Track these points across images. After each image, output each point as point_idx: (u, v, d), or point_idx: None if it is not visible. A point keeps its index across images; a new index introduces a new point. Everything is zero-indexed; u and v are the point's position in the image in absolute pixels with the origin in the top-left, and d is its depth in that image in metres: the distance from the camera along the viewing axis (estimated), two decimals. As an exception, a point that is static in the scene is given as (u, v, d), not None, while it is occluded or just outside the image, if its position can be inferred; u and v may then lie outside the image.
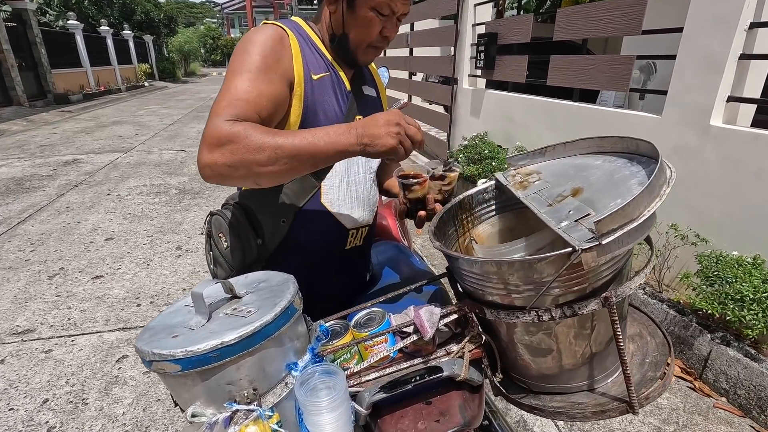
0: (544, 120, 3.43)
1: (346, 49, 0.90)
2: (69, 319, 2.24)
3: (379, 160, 1.05)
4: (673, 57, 2.33)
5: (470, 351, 0.76)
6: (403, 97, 6.37)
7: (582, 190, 0.70)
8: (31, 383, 1.80)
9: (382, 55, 7.12)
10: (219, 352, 0.60)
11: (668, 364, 0.73)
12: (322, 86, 0.88)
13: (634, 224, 0.56)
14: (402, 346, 0.74)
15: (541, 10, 12.58)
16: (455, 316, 0.75)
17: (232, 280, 0.75)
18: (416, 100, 6.30)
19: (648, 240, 0.72)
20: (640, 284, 0.67)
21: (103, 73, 15.22)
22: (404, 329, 0.76)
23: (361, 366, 0.74)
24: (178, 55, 25.47)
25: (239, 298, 0.72)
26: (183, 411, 0.67)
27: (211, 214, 0.97)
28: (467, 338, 0.76)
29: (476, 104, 4.39)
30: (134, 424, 1.60)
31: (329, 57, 0.92)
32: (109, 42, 16.03)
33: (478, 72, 4.29)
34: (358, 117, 0.96)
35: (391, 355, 0.76)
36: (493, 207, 0.92)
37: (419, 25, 5.83)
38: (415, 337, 0.73)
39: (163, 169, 5.14)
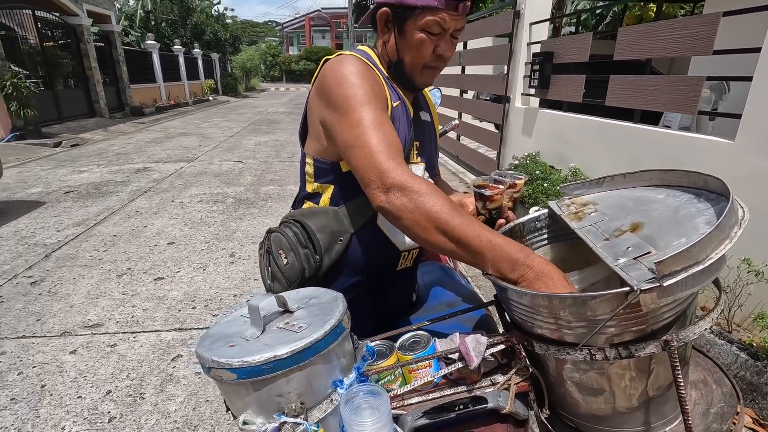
0: (601, 141, 3.30)
1: (403, 74, 0.93)
2: (132, 316, 2.42)
3: (432, 182, 1.07)
4: (749, 78, 2.17)
5: (516, 383, 0.74)
6: (454, 117, 6.37)
7: (642, 226, 0.67)
8: (98, 374, 1.95)
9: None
10: (272, 365, 0.63)
11: (737, 416, 0.68)
12: (398, 113, 0.92)
13: (700, 267, 0.53)
14: (446, 372, 0.74)
15: (600, 27, 12.16)
16: (502, 346, 0.74)
17: (285, 295, 0.79)
18: (466, 118, 6.28)
19: (716, 282, 0.68)
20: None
21: (173, 88, 16.51)
22: (449, 355, 0.76)
23: (405, 389, 0.74)
24: (241, 71, 27.10)
25: (291, 312, 0.75)
26: (235, 417, 0.71)
27: (270, 231, 1.01)
28: (514, 370, 0.74)
29: (528, 123, 4.31)
30: (184, 422, 1.69)
31: (394, 85, 0.95)
32: (181, 60, 17.39)
33: (532, 91, 4.21)
34: (416, 143, 0.98)
35: (435, 380, 0.76)
36: (545, 236, 0.90)
37: (472, 44, 5.84)
38: (460, 365, 0.73)
39: (222, 179, 5.46)
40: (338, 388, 0.69)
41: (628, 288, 0.54)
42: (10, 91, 7.51)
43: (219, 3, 25.72)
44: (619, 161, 3.09)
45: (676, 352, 0.58)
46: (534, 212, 0.92)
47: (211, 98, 19.88)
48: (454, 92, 6.35)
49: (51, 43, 10.04)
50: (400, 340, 0.83)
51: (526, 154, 4.12)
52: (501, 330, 0.87)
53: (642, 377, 0.64)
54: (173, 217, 4.08)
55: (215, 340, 0.70)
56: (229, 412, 0.76)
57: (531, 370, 0.73)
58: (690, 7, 8.85)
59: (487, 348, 0.73)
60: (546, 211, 0.90)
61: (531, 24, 4.20)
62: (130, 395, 1.83)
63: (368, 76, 0.85)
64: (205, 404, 1.79)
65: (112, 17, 12.06)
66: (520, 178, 0.94)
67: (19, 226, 3.80)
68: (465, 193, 1.11)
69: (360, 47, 0.99)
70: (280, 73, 38.48)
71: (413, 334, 0.83)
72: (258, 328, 0.70)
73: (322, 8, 44.16)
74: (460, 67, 5.95)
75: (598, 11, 11.98)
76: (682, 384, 0.59)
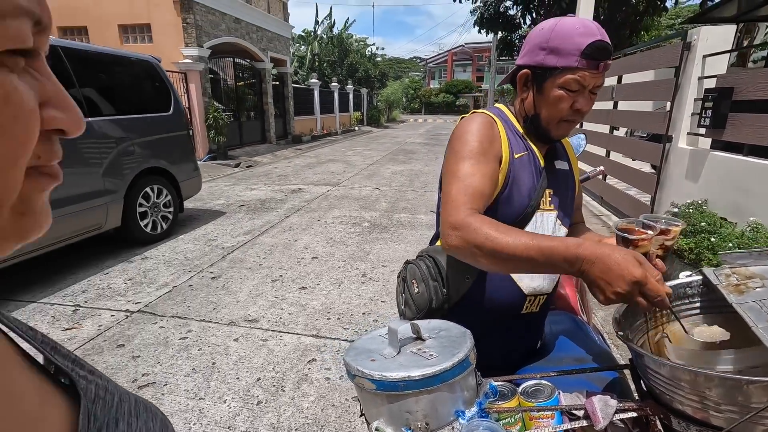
0: (797, 193, 2.70)
1: (539, 127, 0.99)
2: (281, 318, 2.82)
3: (565, 231, 1.07)
4: None
5: (648, 457, 0.70)
6: (600, 154, 5.89)
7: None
8: (252, 362, 2.33)
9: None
10: (405, 384, 0.73)
11: None
12: (521, 164, 0.98)
13: None
14: (569, 427, 0.74)
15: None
16: (634, 414, 0.72)
17: (418, 323, 0.89)
18: (616, 156, 5.74)
19: None
20: None
21: (327, 120, 18.74)
22: (574, 411, 0.76)
23: (524, 434, 0.77)
24: (384, 104, 29.36)
25: (423, 340, 0.85)
26: (368, 423, 0.83)
27: (407, 262, 1.15)
28: (646, 442, 0.71)
29: (695, 166, 3.76)
30: (314, 420, 1.91)
31: (526, 137, 1.02)
32: (336, 95, 19.71)
33: (702, 131, 3.68)
34: (548, 191, 1.02)
35: (557, 433, 0.76)
36: (697, 305, 0.84)
37: (628, 78, 5.38)
38: (584, 423, 0.73)
39: (360, 204, 5.99)
40: (460, 418, 0.75)
41: (789, 379, 0.50)
42: (211, 122, 9.51)
43: (373, 45, 28.59)
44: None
45: None
46: (685, 277, 0.86)
47: (356, 128, 21.93)
48: (603, 128, 5.88)
49: (241, 83, 12.45)
50: (523, 385, 0.85)
51: (689, 201, 3.58)
52: (636, 397, 0.83)
53: (811, 486, 0.56)
54: (318, 234, 4.62)
55: (359, 352, 0.84)
56: (363, 416, 0.89)
57: (667, 446, 0.69)
58: None
59: (616, 412, 0.71)
60: (700, 278, 0.84)
61: (705, 56, 3.71)
62: (274, 386, 2.14)
63: (484, 134, 0.94)
64: (332, 408, 1.99)
65: (287, 61, 14.41)
66: (676, 225, 0.86)
67: (207, 230, 4.76)
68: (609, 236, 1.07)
69: (496, 105, 1.08)
70: (420, 105, 40.44)
71: (537, 382, 0.85)
72: (394, 349, 0.82)
73: (466, 44, 45.35)
74: (612, 102, 5.51)
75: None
76: None
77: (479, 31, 11.86)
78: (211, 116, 9.48)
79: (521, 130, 1.02)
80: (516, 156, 0.98)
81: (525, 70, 0.96)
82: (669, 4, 9.87)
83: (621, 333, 0.73)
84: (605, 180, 5.68)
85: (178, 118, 4.71)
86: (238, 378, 2.20)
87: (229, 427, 1.87)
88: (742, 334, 0.72)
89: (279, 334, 2.62)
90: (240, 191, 6.90)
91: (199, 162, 8.98)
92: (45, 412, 0.31)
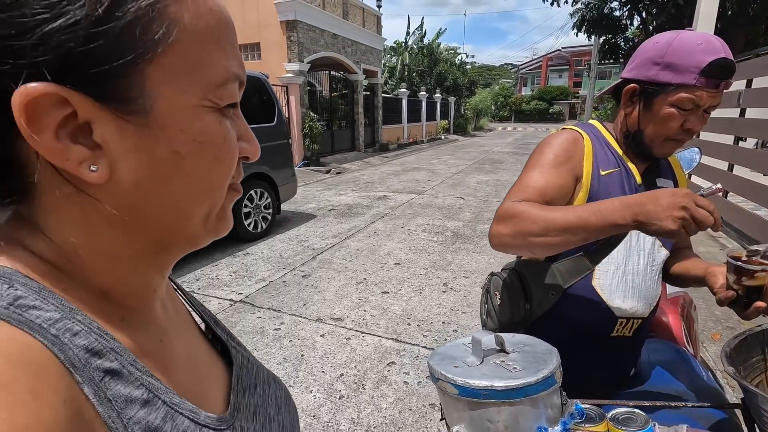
0: None
1: (641, 144, 0.94)
2: (363, 319, 2.96)
3: (665, 254, 1.01)
4: None
5: (759, 508, 0.64)
6: (717, 167, 5.20)
7: None
8: (336, 358, 2.48)
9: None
10: (487, 392, 0.75)
11: None
12: (610, 181, 0.95)
13: None
14: (663, 461, 0.71)
15: None
16: (743, 458, 0.66)
17: (503, 335, 0.90)
18: (741, 171, 5.01)
19: None
20: None
21: (413, 128, 19.00)
22: (670, 445, 0.72)
23: (612, 461, 0.74)
24: (472, 112, 28.92)
25: (507, 353, 0.86)
26: (448, 426, 0.86)
27: (492, 274, 1.17)
28: (757, 491, 0.65)
29: None
30: (391, 421, 1.98)
31: (621, 153, 0.98)
32: (423, 104, 19.91)
33: None
34: None
35: (649, 466, 0.73)
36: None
37: (758, 82, 4.68)
38: (681, 459, 0.68)
39: (444, 213, 5.99)
40: (543, 434, 0.76)
41: None
42: (307, 131, 10.23)
43: (463, 53, 28.38)
44: None
45: None
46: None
47: (442, 137, 21.90)
48: (726, 139, 5.17)
49: (335, 94, 13.20)
50: (614, 411, 0.82)
51: (839, 226, 3.01)
52: (747, 442, 0.75)
53: None
54: (401, 241, 4.73)
55: (443, 358, 0.88)
56: (443, 420, 0.92)
57: (783, 499, 0.62)
58: None
59: (720, 453, 0.66)
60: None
61: None
62: (356, 383, 2.25)
63: (562, 148, 0.93)
64: (409, 412, 2.04)
65: (378, 73, 14.95)
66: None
67: (299, 232, 5.14)
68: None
69: (590, 121, 1.05)
70: (510, 113, 39.06)
71: (629, 410, 0.81)
72: (478, 358, 0.84)
73: (563, 48, 42.87)
74: (738, 109, 4.83)
75: None
76: None
77: (577, 34, 11.17)
78: (307, 126, 10.20)
79: (616, 147, 0.99)
80: (603, 173, 0.94)
81: (633, 85, 0.92)
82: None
83: (731, 368, 0.68)
84: (725, 197, 4.99)
85: (280, 128, 5.18)
86: (323, 371, 2.35)
87: (314, 416, 2.01)
88: None
89: (361, 334, 2.75)
90: (330, 196, 7.31)
91: (294, 168, 9.74)
92: (212, 370, 0.41)
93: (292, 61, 10.19)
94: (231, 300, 3.27)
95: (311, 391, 2.18)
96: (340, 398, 2.14)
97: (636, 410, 0.81)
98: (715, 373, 1.28)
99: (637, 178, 0.97)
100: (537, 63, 47.04)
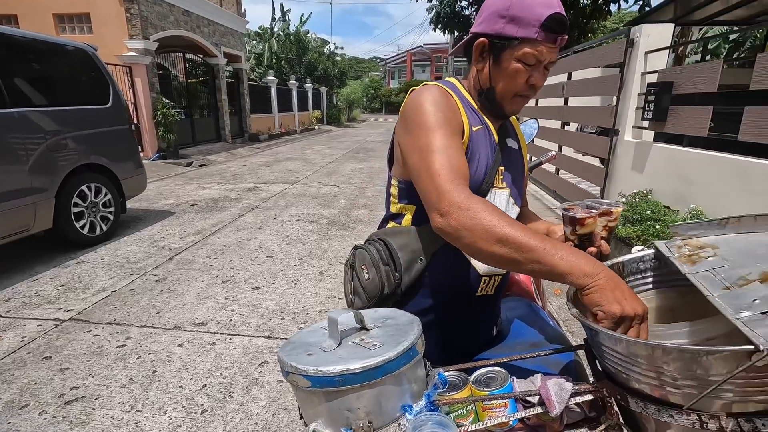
0: (735, 182, 2.86)
1: (493, 101, 0.93)
2: (231, 320, 2.66)
3: (518, 211, 1.03)
4: None
5: (606, 442, 0.66)
6: (553, 149, 6.07)
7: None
8: (197, 368, 2.17)
9: (533, 104, 6.96)
10: (344, 378, 0.64)
11: None
12: (479, 138, 0.92)
13: None
14: (524, 415, 0.69)
15: (735, 54, 10.79)
16: (590, 396, 0.67)
17: (363, 312, 0.80)
18: (567, 151, 5.94)
19: None
20: None
21: (285, 118, 18.31)
22: (528, 398, 0.70)
23: (477, 426, 0.70)
24: (345, 103, 29.14)
25: (368, 330, 0.77)
26: (306, 425, 0.74)
27: (356, 247, 1.06)
28: (603, 426, 0.66)
29: (640, 158, 3.92)
30: (264, 426, 1.79)
31: (479, 111, 0.96)
32: (294, 93, 19.30)
33: (645, 124, 3.85)
34: (501, 168, 0.97)
35: (511, 422, 0.70)
36: (650, 280, 0.81)
37: (577, 75, 5.57)
38: (539, 410, 0.67)
39: (319, 201, 5.84)
40: (407, 413, 0.68)
41: (752, 347, 0.46)
42: (160, 119, 9.00)
43: (333, 44, 28.30)
44: (761, 205, 2.64)
45: (821, 436, 0.47)
46: (637, 252, 0.83)
47: (316, 127, 21.60)
48: (555, 124, 6.07)
49: (194, 80, 11.89)
50: (476, 373, 0.79)
51: (635, 191, 3.73)
52: (591, 379, 0.79)
53: (771, 461, 0.53)
54: (274, 233, 4.45)
55: (296, 347, 0.74)
56: (302, 420, 0.79)
57: (624, 429, 0.64)
58: None
59: (571, 396, 0.66)
60: (652, 251, 0.81)
61: (646, 53, 3.88)
62: (221, 392, 1.99)
63: (443, 104, 0.87)
64: (284, 412, 1.87)
65: (242, 57, 13.93)
66: (617, 207, 0.89)
67: (152, 231, 4.46)
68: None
69: (447, 78, 1.01)
70: (380, 104, 40.50)
71: (490, 369, 0.79)
72: (335, 341, 0.73)
73: (424, 44, 45.91)
74: (563, 98, 5.69)
75: (732, 37, 10.67)
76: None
77: (434, 30, 11.98)
78: (159, 113, 8.97)
79: (474, 104, 0.97)
80: (474, 129, 0.92)
81: (482, 39, 0.89)
82: (613, 8, 10.41)
83: (575, 310, 0.68)
84: (557, 174, 5.86)
85: (117, 112, 4.38)
86: (181, 386, 2.03)
87: (169, 441, 1.71)
88: (697, 307, 0.68)
89: (228, 336, 2.46)
90: (191, 190, 6.56)
91: (147, 161, 8.50)
92: None
93: (135, 37, 8.81)
94: (57, 320, 2.64)
95: (166, 412, 1.86)
96: (202, 413, 1.86)
97: (496, 368, 0.79)
98: (559, 323, 1.40)
99: (495, 136, 0.96)
100: (402, 58, 49.50)
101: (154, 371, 2.14)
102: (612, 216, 0.89)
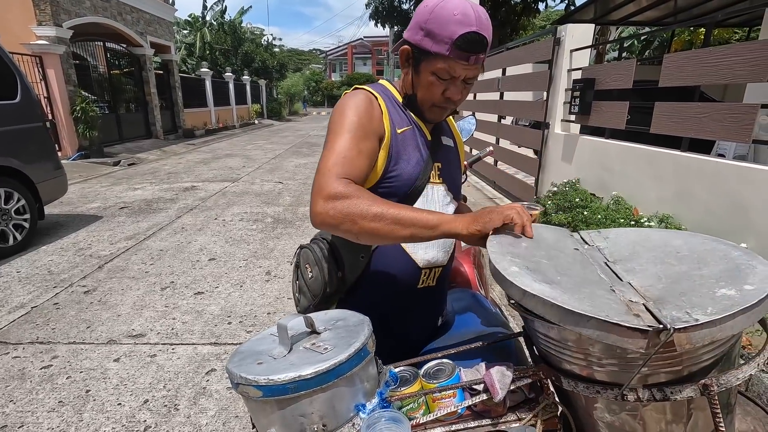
0: (647, 170, 3.17)
1: (415, 107, 0.97)
2: (172, 328, 2.52)
3: (455, 206, 1.07)
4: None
5: (544, 420, 0.72)
6: (491, 142, 6.34)
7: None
8: (137, 383, 2.04)
9: (471, 98, 7.21)
10: (296, 385, 0.64)
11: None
12: (405, 139, 0.95)
13: (743, 306, 0.50)
14: (471, 403, 0.73)
15: (647, 52, 11.85)
16: (529, 380, 0.72)
17: (313, 315, 0.81)
18: (504, 143, 6.23)
19: (762, 322, 0.63)
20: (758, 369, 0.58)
21: (223, 112, 17.48)
22: (474, 386, 0.74)
23: (428, 418, 0.73)
24: (285, 96, 28.35)
25: (318, 333, 0.77)
26: (259, 436, 0.73)
27: (301, 247, 1.07)
28: (541, 406, 0.72)
29: (568, 150, 4.22)
30: (214, 437, 1.73)
31: (410, 113, 0.99)
32: (231, 86, 18.45)
33: (572, 117, 4.14)
34: (438, 164, 1.00)
35: (459, 411, 0.74)
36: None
37: (511, 70, 5.85)
38: (484, 396, 0.71)
39: (262, 199, 5.67)
40: (360, 413, 0.69)
41: (660, 325, 0.52)
42: (79, 115, 8.23)
43: (269, 35, 27.31)
44: (667, 191, 2.95)
45: (716, 397, 0.55)
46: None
47: (256, 122, 20.85)
48: (492, 118, 6.34)
49: (117, 72, 10.98)
50: (425, 367, 0.82)
51: (565, 180, 4.02)
52: (530, 363, 0.85)
53: (679, 423, 0.61)
54: (215, 234, 4.26)
55: (245, 357, 0.73)
56: (255, 429, 0.78)
57: (559, 407, 0.70)
58: (744, 32, 8.47)
59: (513, 381, 0.71)
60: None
61: (572, 51, 4.16)
62: (166, 405, 1.89)
63: (362, 110, 0.89)
64: (235, 420, 1.82)
65: (171, 48, 13.06)
66: (535, 209, 0.98)
67: (78, 238, 4.10)
68: None
69: (381, 81, 1.03)
70: (323, 98, 39.89)
71: (438, 362, 0.82)
72: (285, 348, 0.72)
73: (365, 37, 45.77)
74: (499, 93, 5.95)
75: (643, 37, 11.71)
76: (724, 433, 0.55)
77: (375, 25, 11.98)
78: (78, 107, 8.20)
79: (404, 105, 0.99)
80: (399, 131, 0.94)
81: (406, 46, 0.92)
82: (541, 7, 11.00)
83: (513, 301, 0.73)
84: (496, 165, 6.13)
85: (28, 107, 3.95)
86: (119, 404, 1.90)
87: (109, 463, 1.60)
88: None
89: (171, 346, 2.34)
90: (120, 192, 6.09)
91: (67, 161, 7.75)
92: None
93: (44, 24, 7.95)
94: (-34, 343, 2.35)
95: (103, 433, 1.73)
96: (145, 430, 1.75)
97: (444, 360, 0.83)
98: (502, 309, 1.48)
99: (427, 134, 0.99)
100: (343, 50, 49.02)
101: (88, 390, 1.98)
102: (532, 217, 0.94)
